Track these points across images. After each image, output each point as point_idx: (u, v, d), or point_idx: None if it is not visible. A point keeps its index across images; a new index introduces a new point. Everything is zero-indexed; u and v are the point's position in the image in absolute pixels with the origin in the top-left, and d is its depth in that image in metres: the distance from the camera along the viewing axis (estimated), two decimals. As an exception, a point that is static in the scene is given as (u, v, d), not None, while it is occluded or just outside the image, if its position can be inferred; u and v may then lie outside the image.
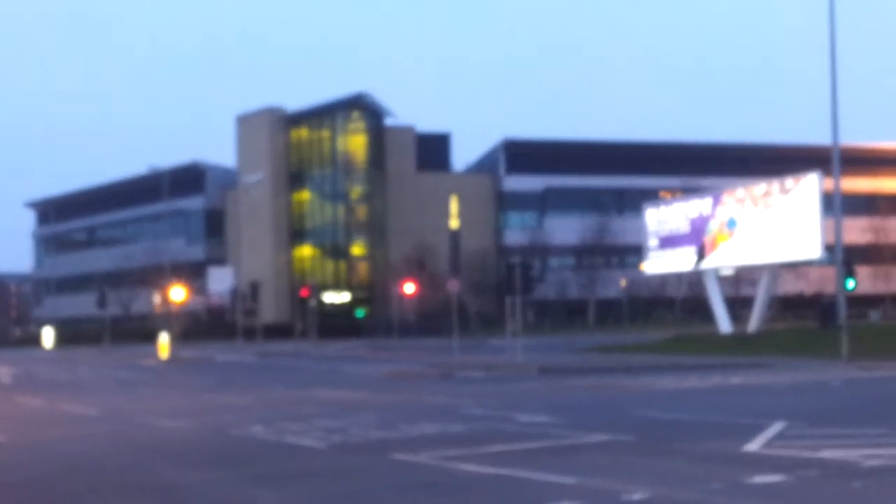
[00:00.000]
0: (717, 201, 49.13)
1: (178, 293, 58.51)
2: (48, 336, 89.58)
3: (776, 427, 15.63)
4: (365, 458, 13.82)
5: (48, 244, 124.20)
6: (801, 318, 70.52)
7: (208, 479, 12.56)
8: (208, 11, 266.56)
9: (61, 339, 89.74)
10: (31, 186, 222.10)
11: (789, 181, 45.36)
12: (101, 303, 66.74)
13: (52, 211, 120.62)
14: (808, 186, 44.31)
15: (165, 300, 62.03)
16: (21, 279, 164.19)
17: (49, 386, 34.31)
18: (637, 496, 10.21)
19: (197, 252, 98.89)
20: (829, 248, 45.36)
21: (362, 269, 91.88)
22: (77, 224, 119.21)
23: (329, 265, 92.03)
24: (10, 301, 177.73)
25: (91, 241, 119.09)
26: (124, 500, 11.32)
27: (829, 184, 47.12)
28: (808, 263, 52.46)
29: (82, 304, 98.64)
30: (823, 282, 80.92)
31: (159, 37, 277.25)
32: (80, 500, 11.40)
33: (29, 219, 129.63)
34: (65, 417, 22.12)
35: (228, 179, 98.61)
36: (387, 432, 16.73)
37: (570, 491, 10.61)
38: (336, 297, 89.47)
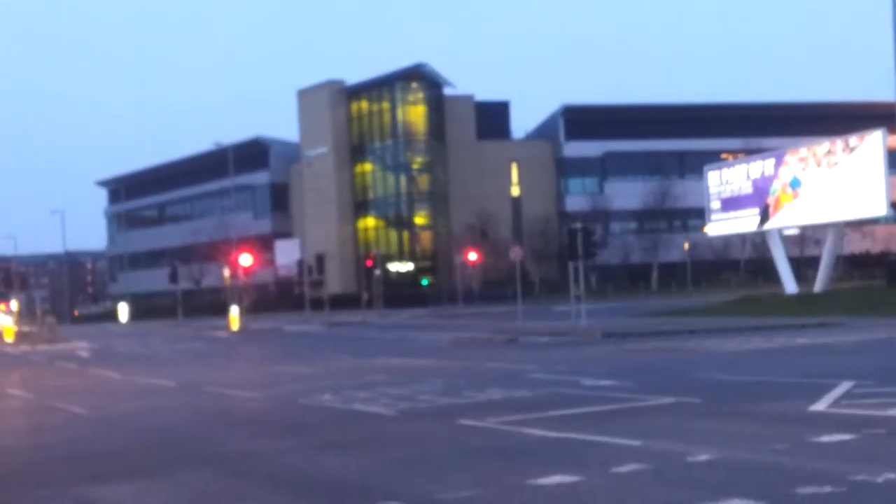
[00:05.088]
0: (779, 161, 48.51)
1: (246, 259, 59.68)
2: (123, 311, 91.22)
3: (843, 386, 15.56)
4: (432, 424, 14.05)
5: (120, 221, 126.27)
6: (867, 276, 69.45)
7: (279, 446, 12.87)
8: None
9: (136, 314, 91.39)
10: (101, 166, 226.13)
11: (853, 139, 44.65)
12: (173, 277, 67.86)
13: (122, 189, 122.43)
14: (873, 144, 43.57)
15: (235, 273, 62.91)
16: (95, 256, 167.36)
17: (125, 359, 35.07)
18: (703, 457, 10.26)
19: (264, 226, 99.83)
20: (895, 206, 44.70)
21: (425, 238, 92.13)
22: (147, 201, 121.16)
23: (393, 235, 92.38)
24: (86, 278, 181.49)
25: (161, 217, 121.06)
26: (199, 468, 11.61)
27: (893, 141, 46.31)
28: (873, 221, 51.81)
29: (155, 279, 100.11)
30: (890, 240, 79.64)
31: (220, 17, 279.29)
32: (157, 469, 11.71)
33: (101, 197, 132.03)
34: (141, 389, 22.70)
35: (292, 153, 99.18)
36: (453, 398, 16.96)
37: (636, 453, 10.70)
38: (400, 267, 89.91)
